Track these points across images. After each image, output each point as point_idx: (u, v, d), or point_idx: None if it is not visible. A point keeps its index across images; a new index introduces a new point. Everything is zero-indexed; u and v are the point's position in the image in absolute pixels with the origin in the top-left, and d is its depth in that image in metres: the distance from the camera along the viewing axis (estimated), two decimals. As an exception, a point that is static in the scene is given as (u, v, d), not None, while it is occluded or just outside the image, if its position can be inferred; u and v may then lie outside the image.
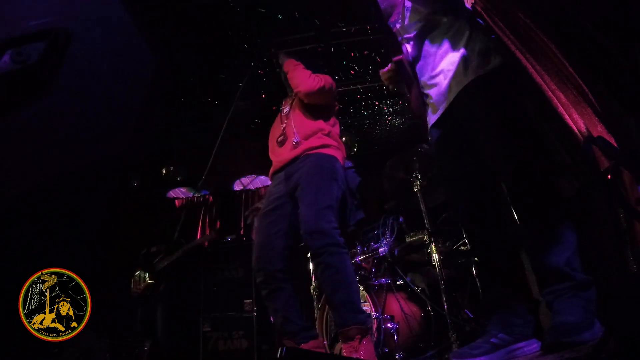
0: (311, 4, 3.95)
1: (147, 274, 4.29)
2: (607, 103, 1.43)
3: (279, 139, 2.43)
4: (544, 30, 1.60)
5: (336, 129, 2.48)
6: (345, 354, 1.87)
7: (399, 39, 1.99)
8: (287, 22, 4.15)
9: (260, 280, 2.12)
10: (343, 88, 4.95)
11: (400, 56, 1.96)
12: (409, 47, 1.93)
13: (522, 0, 1.68)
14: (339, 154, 2.34)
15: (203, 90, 4.79)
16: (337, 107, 2.57)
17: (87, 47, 0.98)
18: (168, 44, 3.97)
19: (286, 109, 2.57)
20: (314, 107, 2.44)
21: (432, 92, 1.81)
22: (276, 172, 2.39)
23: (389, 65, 2.04)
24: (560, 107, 1.60)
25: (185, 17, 3.85)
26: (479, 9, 1.82)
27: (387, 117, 5.47)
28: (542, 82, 1.65)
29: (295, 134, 2.35)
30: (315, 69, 2.53)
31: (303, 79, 2.38)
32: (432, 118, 1.84)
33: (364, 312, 2.01)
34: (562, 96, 1.59)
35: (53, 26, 0.85)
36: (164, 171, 5.61)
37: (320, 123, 2.39)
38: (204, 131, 5.36)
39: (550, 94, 1.63)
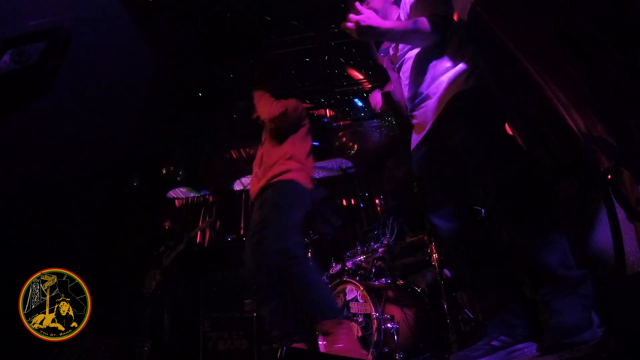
0: (312, 3, 3.96)
1: (157, 272, 4.31)
2: (607, 103, 1.43)
3: (255, 169, 2.84)
4: (545, 30, 1.60)
5: (302, 148, 2.76)
6: (325, 349, 2.00)
7: (390, 66, 2.01)
8: (287, 22, 4.15)
9: (252, 291, 2.50)
10: (343, 88, 4.96)
11: (391, 87, 2.01)
12: (400, 74, 1.95)
13: (523, 0, 1.68)
14: (298, 175, 2.61)
15: (203, 90, 4.79)
16: (307, 126, 2.85)
17: (87, 48, 0.98)
18: (168, 43, 3.97)
19: (262, 139, 2.96)
20: (280, 133, 2.76)
21: (418, 113, 1.83)
22: (254, 199, 2.75)
23: (377, 93, 2.10)
24: (560, 107, 1.60)
25: (186, 17, 3.85)
26: (480, 8, 1.83)
27: (387, 117, 5.48)
28: (542, 82, 1.65)
29: (263, 163, 2.73)
30: (285, 92, 2.94)
31: (265, 108, 2.75)
32: (415, 139, 1.86)
33: (335, 308, 2.27)
34: (562, 96, 1.59)
35: (53, 26, 0.85)
36: (164, 171, 5.61)
37: (284, 148, 2.72)
38: (204, 131, 5.36)
39: (550, 94, 1.63)
